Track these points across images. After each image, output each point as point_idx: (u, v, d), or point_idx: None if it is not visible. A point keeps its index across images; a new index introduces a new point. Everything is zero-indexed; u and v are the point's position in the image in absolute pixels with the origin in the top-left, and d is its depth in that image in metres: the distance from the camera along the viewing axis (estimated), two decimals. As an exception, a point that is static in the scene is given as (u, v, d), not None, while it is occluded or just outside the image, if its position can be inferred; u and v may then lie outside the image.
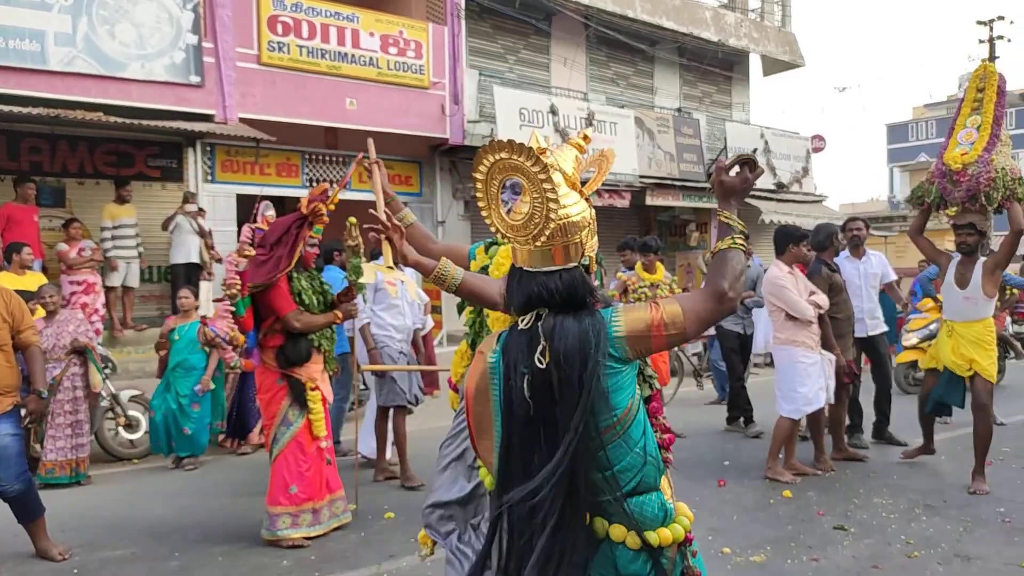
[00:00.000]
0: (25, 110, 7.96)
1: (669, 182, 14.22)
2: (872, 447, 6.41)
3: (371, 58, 10.74)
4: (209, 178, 10.19)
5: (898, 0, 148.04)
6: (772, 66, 17.83)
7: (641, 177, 13.71)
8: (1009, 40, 29.13)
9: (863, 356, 6.76)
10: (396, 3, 12.00)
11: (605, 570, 1.72)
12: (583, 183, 1.96)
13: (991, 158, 5.19)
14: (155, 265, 9.81)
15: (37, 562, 4.13)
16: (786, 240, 5.52)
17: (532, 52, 14.00)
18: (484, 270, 2.97)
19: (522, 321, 1.77)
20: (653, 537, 1.70)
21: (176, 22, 9.26)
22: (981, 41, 24.03)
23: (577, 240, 1.77)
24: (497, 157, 1.73)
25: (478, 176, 1.77)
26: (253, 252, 4.26)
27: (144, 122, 8.66)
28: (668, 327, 1.71)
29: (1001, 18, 23.70)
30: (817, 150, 17.69)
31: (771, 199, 15.83)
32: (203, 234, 9.31)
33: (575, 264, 1.77)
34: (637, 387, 1.77)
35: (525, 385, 1.70)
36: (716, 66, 16.87)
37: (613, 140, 13.38)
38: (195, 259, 9.24)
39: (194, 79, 9.39)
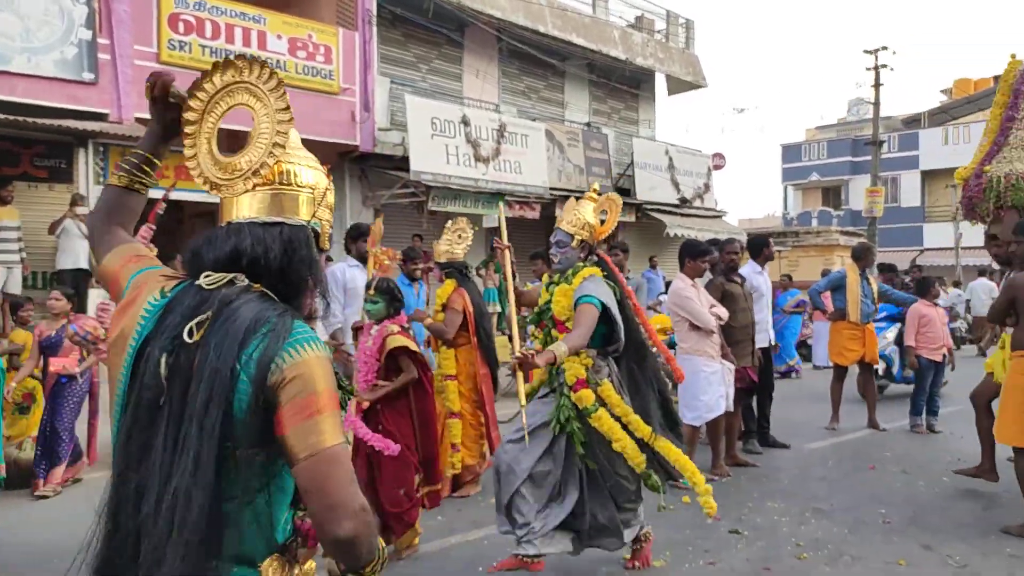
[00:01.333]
0: None
1: (578, 195, 14.45)
2: (764, 452, 6.71)
3: (278, 61, 10.49)
4: (101, 179, 9.68)
5: (793, 28, 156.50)
6: (676, 86, 18.49)
7: (551, 189, 13.91)
8: (892, 69, 31.18)
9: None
10: (305, 6, 11.77)
11: None
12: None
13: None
14: (39, 271, 9.23)
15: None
16: (687, 254, 5.71)
17: (445, 62, 14.02)
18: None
19: (206, 278, 1.32)
20: None
21: (68, 15, 8.77)
22: (867, 68, 25.61)
23: (308, 194, 1.42)
24: (224, 78, 1.43)
25: (195, 104, 1.44)
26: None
27: (30, 119, 8.16)
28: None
29: (885, 48, 25.33)
30: (717, 167, 18.44)
31: (675, 213, 16.37)
32: (93, 238, 8.83)
33: (304, 222, 1.40)
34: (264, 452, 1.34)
35: (163, 361, 1.26)
36: (624, 83, 17.35)
37: (524, 152, 13.56)
38: (83, 265, 8.76)
39: (87, 76, 8.92)
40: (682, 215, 16.54)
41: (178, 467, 1.20)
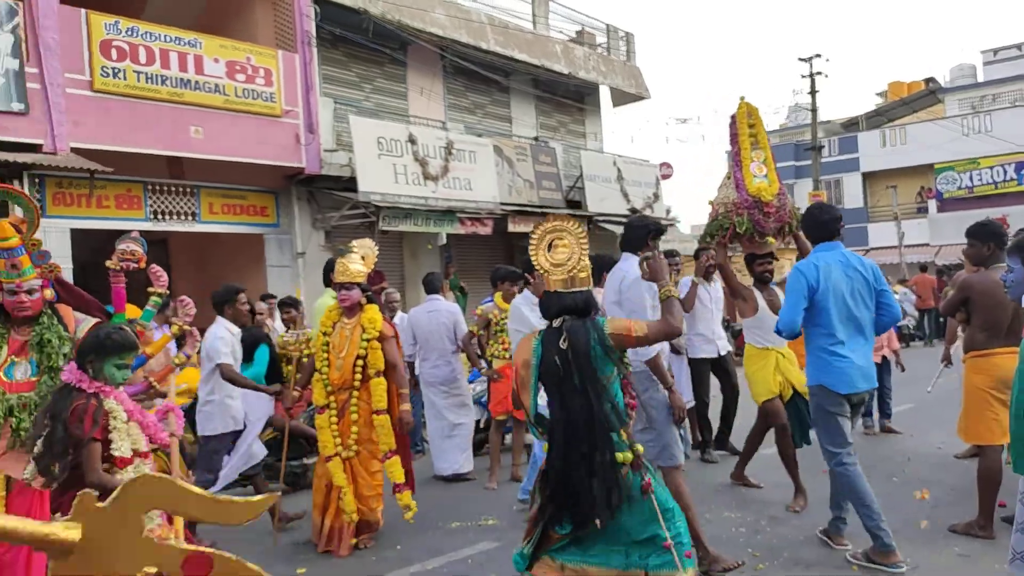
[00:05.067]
0: None
1: (530, 209, 14.52)
2: (721, 461, 6.76)
3: (216, 85, 10.31)
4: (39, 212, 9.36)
5: (730, 38, 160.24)
6: (620, 97, 18.72)
7: (502, 204, 13.92)
8: (827, 76, 32.10)
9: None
10: (242, 29, 11.61)
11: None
12: None
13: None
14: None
15: None
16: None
17: (388, 81, 13.95)
18: None
19: (554, 323, 3.09)
20: (619, 456, 2.96)
21: (-8, 44, 8.49)
22: (803, 76, 26.31)
23: (584, 275, 3.12)
24: (552, 225, 3.20)
25: (536, 236, 3.19)
26: None
27: (-45, 153, 7.85)
28: (636, 331, 3.07)
29: (819, 55, 26.09)
30: (666, 176, 18.70)
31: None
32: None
33: (586, 288, 3.12)
34: (615, 367, 3.03)
35: (557, 359, 2.99)
36: (569, 97, 17.50)
37: (473, 169, 13.55)
38: (20, 301, 8.43)
39: (16, 106, 8.64)
40: (632, 225, 16.69)
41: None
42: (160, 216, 10.49)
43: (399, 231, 12.70)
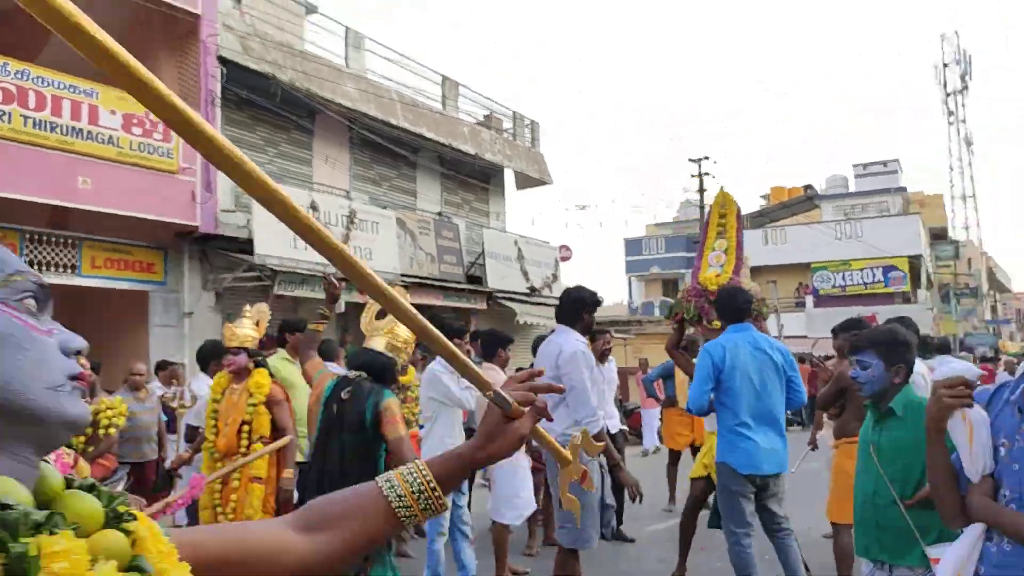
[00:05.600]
0: None
1: (430, 282, 14.57)
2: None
3: (111, 136, 9.99)
4: None
5: (628, 133, 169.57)
6: (524, 181, 19.35)
7: (402, 276, 13.90)
8: (714, 176, 34.33)
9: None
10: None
11: None
12: None
13: (740, 280, 5.75)
14: None
15: None
16: (495, 344, 5.76)
17: (293, 147, 13.92)
18: None
19: (351, 373, 3.55)
20: None
21: None
22: (692, 176, 28.09)
23: (400, 345, 3.58)
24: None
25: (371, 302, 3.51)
26: None
27: None
28: (390, 432, 3.32)
29: (707, 158, 27.99)
30: (564, 259, 19.26)
31: (525, 302, 16.79)
32: None
33: (392, 358, 3.53)
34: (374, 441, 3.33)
35: (335, 406, 3.39)
36: (474, 176, 17.94)
37: (375, 239, 13.55)
38: None
39: None
40: (532, 303, 16.99)
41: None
42: (37, 267, 9.86)
43: (294, 296, 12.42)
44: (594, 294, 4.70)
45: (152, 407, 6.13)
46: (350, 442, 3.27)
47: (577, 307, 4.42)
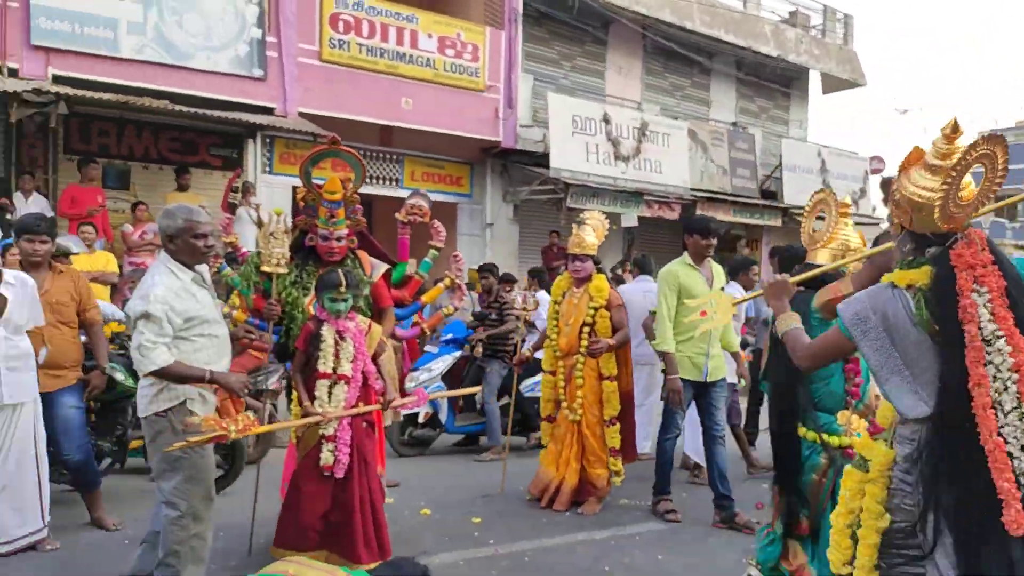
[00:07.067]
0: (96, 95, 8.24)
1: (721, 197, 14.04)
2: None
3: (428, 59, 10.87)
4: (267, 170, 10.42)
5: (959, 26, 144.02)
6: (832, 84, 17.51)
7: (693, 190, 13.58)
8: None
9: None
10: (455, 6, 12.12)
11: None
12: None
13: None
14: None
15: (91, 530, 4.31)
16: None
17: (587, 59, 13.99)
18: None
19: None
20: None
21: (241, 15, 9.50)
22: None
23: None
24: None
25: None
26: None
27: (209, 112, 8.90)
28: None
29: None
30: (876, 171, 17.29)
31: (824, 219, 15.51)
32: (261, 224, 9.48)
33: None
34: None
35: None
36: (775, 81, 16.64)
37: (665, 151, 13.31)
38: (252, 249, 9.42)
39: (257, 72, 9.62)
40: (832, 221, 15.64)
41: None
42: (367, 181, 11.27)
43: (585, 209, 12.76)
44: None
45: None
46: None
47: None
